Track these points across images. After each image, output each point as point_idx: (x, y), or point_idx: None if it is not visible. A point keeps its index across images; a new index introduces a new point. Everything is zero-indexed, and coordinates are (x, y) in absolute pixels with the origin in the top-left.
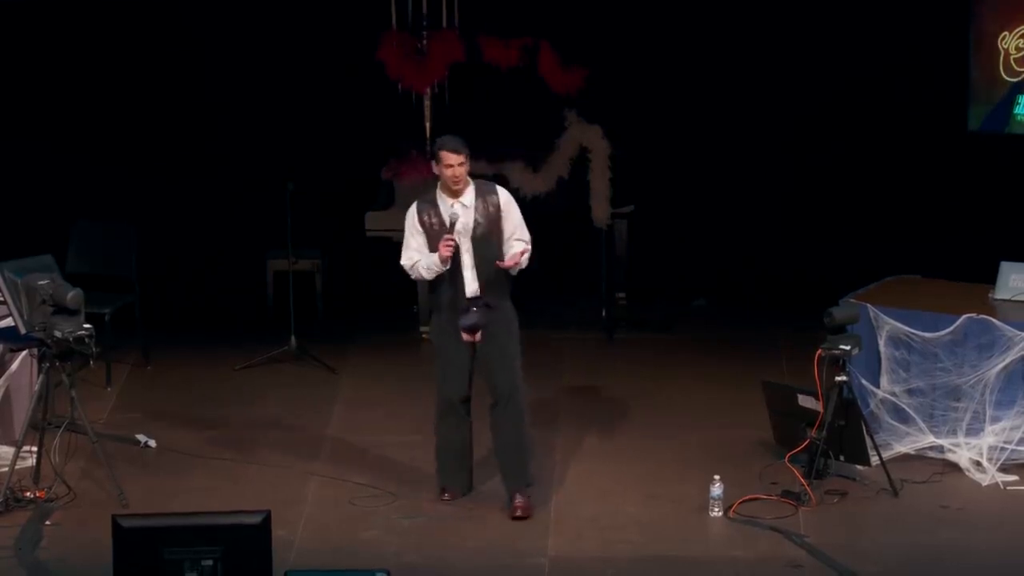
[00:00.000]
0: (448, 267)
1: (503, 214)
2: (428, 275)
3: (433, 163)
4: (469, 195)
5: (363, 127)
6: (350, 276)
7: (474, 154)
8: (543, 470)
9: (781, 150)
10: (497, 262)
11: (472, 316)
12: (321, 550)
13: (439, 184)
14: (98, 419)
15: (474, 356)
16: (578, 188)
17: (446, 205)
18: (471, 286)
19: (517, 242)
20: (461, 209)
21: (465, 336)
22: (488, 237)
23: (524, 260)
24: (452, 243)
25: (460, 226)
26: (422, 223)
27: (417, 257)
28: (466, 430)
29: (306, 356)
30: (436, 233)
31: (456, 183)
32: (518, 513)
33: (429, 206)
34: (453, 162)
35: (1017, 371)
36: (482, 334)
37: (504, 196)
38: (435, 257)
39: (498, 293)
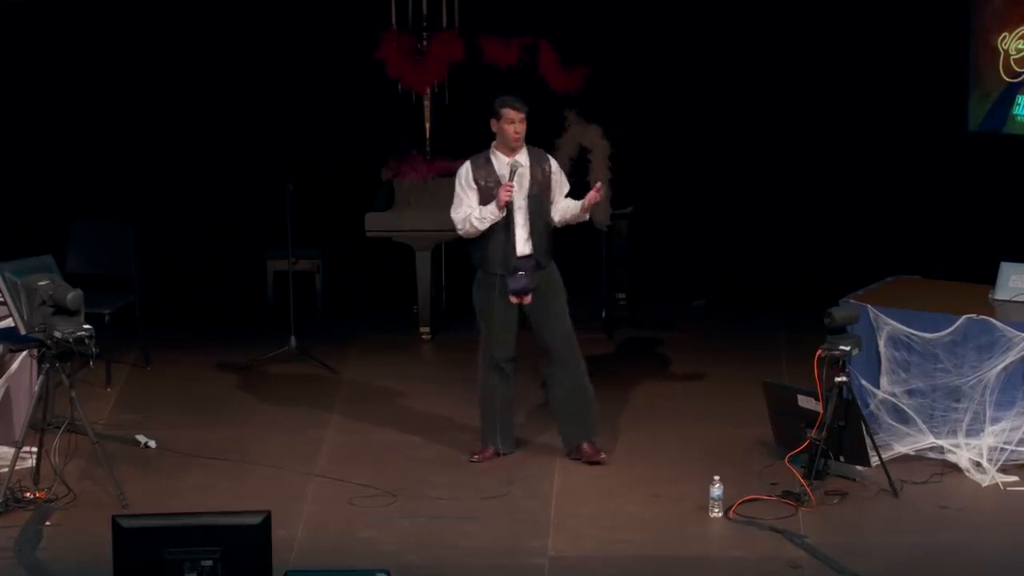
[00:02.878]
0: (504, 215)
1: (553, 180)
2: (481, 225)
3: (492, 120)
4: (524, 156)
5: (363, 127)
6: (350, 276)
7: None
8: (543, 470)
9: (781, 150)
10: (590, 200)
11: (522, 279)
12: (321, 550)
13: (493, 144)
14: (98, 419)
15: (521, 317)
16: (578, 188)
17: (501, 163)
18: (523, 245)
19: (567, 199)
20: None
21: (513, 299)
22: (540, 199)
23: (599, 195)
24: (511, 188)
25: (516, 181)
26: (476, 179)
27: (469, 211)
28: (510, 388)
29: (306, 356)
30: (489, 190)
31: (518, 139)
32: (596, 458)
33: (484, 163)
34: (515, 118)
35: (1017, 371)
36: (531, 296)
37: (555, 163)
38: (492, 205)
39: (546, 252)
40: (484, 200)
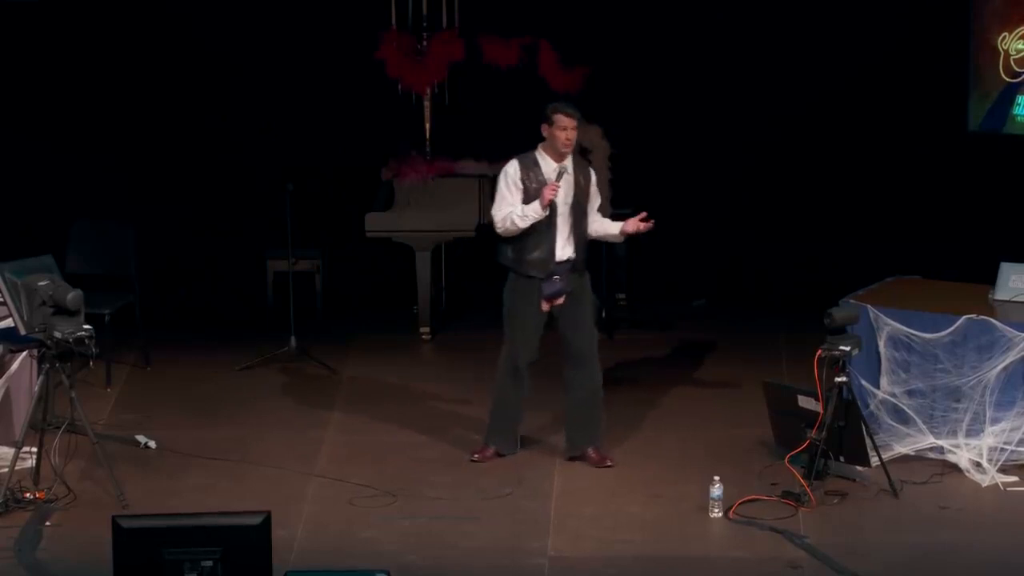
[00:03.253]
0: (546, 214)
1: (592, 189)
2: (523, 223)
3: (544, 125)
4: (569, 163)
5: (363, 127)
6: (350, 276)
7: (474, 154)
8: (543, 470)
9: (781, 150)
10: (632, 228)
11: (557, 283)
12: (321, 550)
13: (541, 147)
14: (98, 419)
15: (548, 320)
16: None
17: (548, 166)
18: (563, 250)
19: (604, 218)
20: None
21: (545, 304)
22: (581, 206)
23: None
24: (557, 188)
25: (562, 185)
26: (523, 180)
27: (511, 209)
28: (523, 391)
29: (306, 356)
30: (535, 191)
31: (568, 146)
32: (603, 464)
33: (532, 165)
34: (568, 125)
35: (1017, 372)
36: (563, 299)
37: (595, 176)
38: (536, 204)
39: (583, 259)
40: (528, 201)
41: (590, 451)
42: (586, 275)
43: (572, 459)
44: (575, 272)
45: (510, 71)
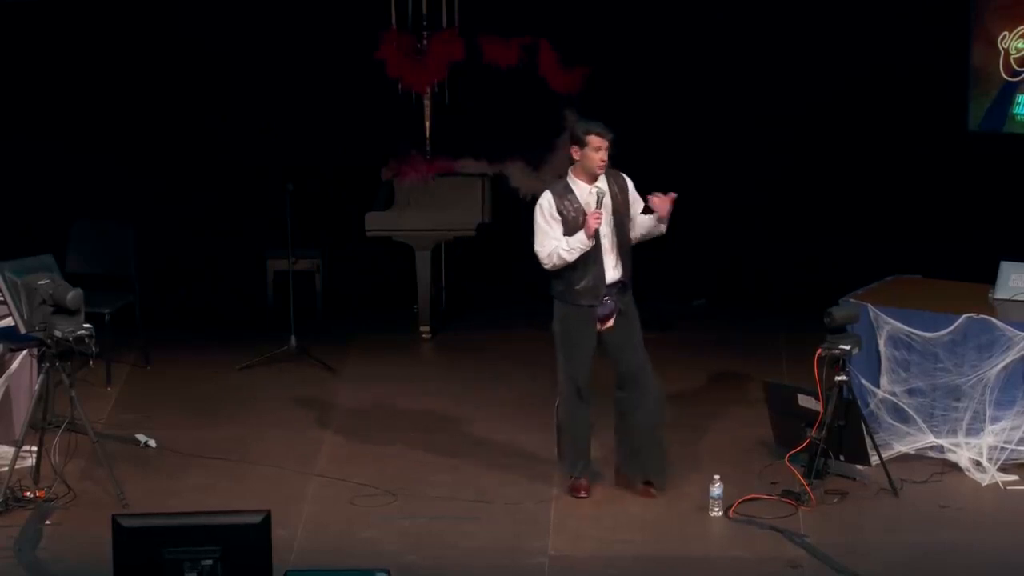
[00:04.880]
0: (593, 243)
1: (630, 196)
2: (570, 257)
3: (574, 148)
4: (602, 180)
5: (363, 127)
6: (350, 276)
7: (474, 154)
8: (543, 470)
9: (781, 150)
10: (656, 202)
11: (609, 304)
12: (321, 550)
13: (571, 171)
14: (98, 419)
15: (599, 342)
16: None
17: (583, 190)
18: (612, 272)
19: (643, 214)
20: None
21: (599, 325)
22: (622, 220)
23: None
24: (600, 216)
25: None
26: (561, 209)
27: (555, 243)
28: (589, 416)
29: (306, 356)
30: (574, 219)
31: (602, 167)
32: (648, 495)
33: (565, 192)
34: (601, 146)
35: (1017, 371)
36: (614, 320)
37: (630, 181)
38: (581, 235)
39: (630, 276)
40: (569, 231)
41: (642, 486)
42: (629, 291)
43: (617, 484)
44: (623, 292)
45: (510, 71)
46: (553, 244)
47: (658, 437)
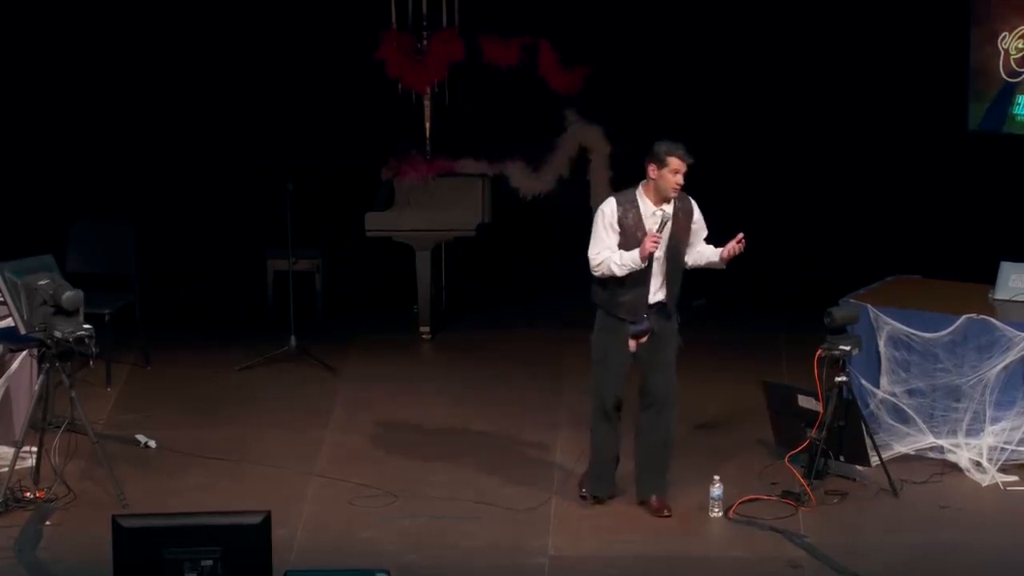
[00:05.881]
0: (645, 264)
1: (694, 228)
2: (620, 272)
3: (652, 165)
4: (670, 205)
5: (363, 127)
6: (350, 276)
7: (474, 154)
8: (543, 470)
9: (781, 150)
10: (730, 251)
11: (644, 322)
12: (321, 550)
13: (642, 186)
14: (98, 419)
15: (633, 360)
16: (578, 188)
17: (648, 209)
18: (656, 294)
19: (704, 244)
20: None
21: (631, 342)
22: (678, 245)
23: (740, 248)
24: (658, 241)
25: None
26: (622, 221)
27: (608, 253)
28: (618, 436)
29: (306, 356)
30: (632, 234)
31: (677, 191)
32: (661, 513)
33: (630, 206)
34: (681, 169)
35: (1017, 371)
36: (648, 338)
37: (697, 210)
38: (635, 254)
39: (675, 303)
40: (625, 244)
41: (653, 499)
42: (674, 317)
43: (641, 504)
44: (663, 314)
45: (510, 71)
46: (606, 253)
47: (668, 454)
